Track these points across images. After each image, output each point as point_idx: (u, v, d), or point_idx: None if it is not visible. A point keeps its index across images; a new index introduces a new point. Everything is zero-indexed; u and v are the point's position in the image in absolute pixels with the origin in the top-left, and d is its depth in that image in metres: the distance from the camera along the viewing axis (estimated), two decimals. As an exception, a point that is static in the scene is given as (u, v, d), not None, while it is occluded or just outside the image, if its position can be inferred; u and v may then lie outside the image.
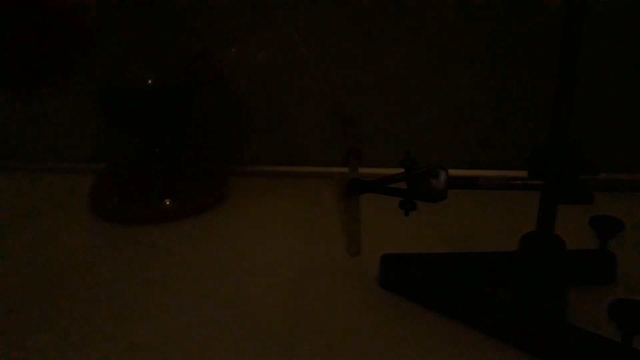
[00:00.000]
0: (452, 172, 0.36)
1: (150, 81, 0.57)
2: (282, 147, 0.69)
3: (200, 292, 0.46)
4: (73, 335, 0.40)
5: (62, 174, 0.69)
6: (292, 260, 0.50)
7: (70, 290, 0.46)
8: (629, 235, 0.45)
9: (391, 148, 0.40)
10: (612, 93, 0.62)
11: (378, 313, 0.43)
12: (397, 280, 0.45)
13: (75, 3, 0.48)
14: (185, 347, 0.39)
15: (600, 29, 0.58)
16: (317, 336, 0.40)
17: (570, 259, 0.42)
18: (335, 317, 0.42)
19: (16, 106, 0.60)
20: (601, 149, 0.57)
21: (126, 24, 0.57)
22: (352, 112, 0.50)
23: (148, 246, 0.53)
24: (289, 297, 0.45)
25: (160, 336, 0.40)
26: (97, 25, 0.50)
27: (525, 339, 0.38)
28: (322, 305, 0.44)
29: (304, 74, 0.61)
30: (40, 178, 0.69)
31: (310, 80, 0.60)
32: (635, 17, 0.59)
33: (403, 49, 0.63)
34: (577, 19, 0.34)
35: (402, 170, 0.37)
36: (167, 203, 0.59)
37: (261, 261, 0.50)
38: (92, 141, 0.70)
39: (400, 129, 0.65)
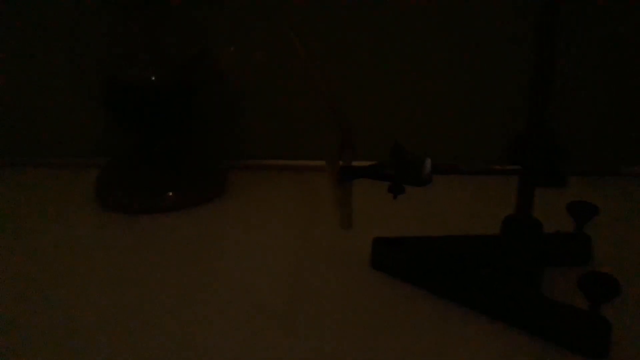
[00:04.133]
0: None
1: (152, 79, 0.60)
2: (279, 141, 0.72)
3: (203, 276, 0.48)
4: (80, 317, 0.43)
5: (67, 169, 0.72)
6: (289, 247, 0.53)
7: (76, 275, 0.49)
8: (603, 219, 0.48)
9: (381, 140, 0.43)
10: (586, 87, 0.65)
11: (369, 291, 0.46)
12: (387, 261, 0.48)
13: None
14: (190, 323, 0.42)
15: (574, 26, 0.62)
16: (314, 311, 0.43)
17: (549, 241, 0.46)
18: (330, 294, 0.45)
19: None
20: (575, 138, 0.61)
21: (129, 23, 0.60)
22: (345, 106, 0.54)
23: (151, 235, 0.56)
24: (287, 278, 0.48)
25: (165, 315, 0.43)
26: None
27: (503, 311, 0.41)
28: (318, 284, 0.47)
29: (301, 70, 0.64)
30: (46, 173, 0.71)
31: (306, 77, 0.63)
32: (608, 9, 0.62)
33: (393, 49, 0.67)
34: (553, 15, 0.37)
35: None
36: (170, 195, 0.62)
37: (260, 248, 0.53)
38: (95, 138, 0.73)
39: (390, 122, 0.68)
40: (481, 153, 0.65)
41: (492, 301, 0.42)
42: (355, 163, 0.45)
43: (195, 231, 0.57)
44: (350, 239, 0.53)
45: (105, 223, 0.59)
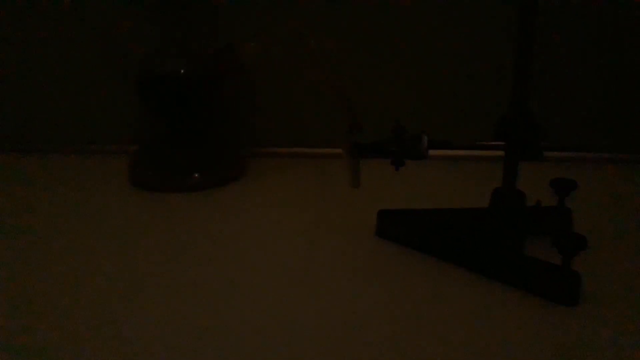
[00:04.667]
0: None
1: (182, 71, 0.67)
2: (294, 130, 0.78)
3: (225, 247, 0.55)
4: (110, 284, 0.50)
5: (103, 154, 0.79)
6: (304, 221, 0.59)
7: (109, 244, 0.55)
8: (581, 193, 0.55)
9: (385, 121, 0.49)
10: (562, 75, 0.72)
11: (376, 255, 0.52)
12: (390, 230, 0.54)
13: None
14: (212, 289, 0.48)
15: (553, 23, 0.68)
16: (328, 273, 0.49)
17: (534, 213, 0.52)
18: (342, 259, 0.52)
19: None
20: (553, 118, 0.69)
21: (162, 22, 0.66)
22: (352, 93, 0.60)
23: (177, 211, 0.62)
24: (301, 248, 0.54)
25: (194, 279, 0.50)
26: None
27: (492, 269, 0.47)
28: (331, 250, 0.53)
29: (314, 65, 0.71)
30: (85, 158, 0.79)
31: (318, 71, 0.70)
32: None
33: (395, 47, 0.73)
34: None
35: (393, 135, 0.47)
36: (195, 176, 0.68)
37: (276, 222, 0.59)
38: (129, 127, 0.80)
39: (392, 106, 0.75)
40: (471, 132, 0.72)
41: (481, 261, 0.48)
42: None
43: (217, 208, 0.63)
44: (358, 213, 0.60)
45: (136, 200, 0.66)
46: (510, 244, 0.48)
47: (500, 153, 0.47)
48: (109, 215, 0.61)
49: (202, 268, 0.51)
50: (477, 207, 0.52)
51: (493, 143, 0.46)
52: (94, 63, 0.77)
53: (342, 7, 0.72)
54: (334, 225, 0.58)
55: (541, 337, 0.41)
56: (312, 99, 0.76)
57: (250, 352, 0.40)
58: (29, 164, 0.77)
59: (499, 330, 0.41)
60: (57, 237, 0.56)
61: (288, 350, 0.40)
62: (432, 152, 0.47)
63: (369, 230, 0.56)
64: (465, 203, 0.56)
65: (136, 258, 0.52)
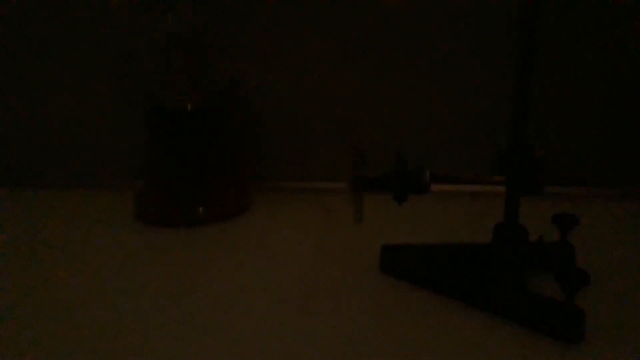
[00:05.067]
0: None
1: (189, 106, 0.68)
2: (298, 165, 0.79)
3: (229, 279, 0.55)
4: (117, 317, 0.50)
5: (109, 189, 0.80)
6: (307, 255, 0.60)
7: (114, 279, 0.56)
8: (583, 228, 0.55)
9: (387, 155, 0.50)
10: (563, 106, 0.73)
11: (379, 291, 0.52)
12: (394, 265, 0.54)
13: None
14: (215, 322, 0.48)
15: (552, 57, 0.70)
16: (330, 307, 0.49)
17: (536, 249, 0.52)
18: (345, 293, 0.52)
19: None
20: (554, 153, 0.71)
21: (170, 58, 0.68)
22: (355, 127, 0.62)
23: (183, 244, 0.63)
24: (305, 281, 0.54)
25: (197, 310, 0.50)
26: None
27: (496, 305, 0.47)
28: (333, 285, 0.53)
29: (318, 100, 0.72)
30: (91, 193, 0.80)
31: (324, 106, 0.71)
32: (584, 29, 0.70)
33: (397, 82, 0.75)
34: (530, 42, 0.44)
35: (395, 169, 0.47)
36: (200, 210, 0.69)
37: (280, 255, 0.60)
38: (135, 163, 0.81)
39: (394, 140, 0.76)
40: (472, 167, 0.73)
41: (484, 297, 0.48)
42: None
43: (221, 242, 0.64)
44: (361, 247, 0.60)
45: (140, 234, 0.66)
46: (512, 279, 0.48)
47: (502, 188, 0.48)
48: (113, 249, 0.62)
49: (205, 302, 0.51)
50: (480, 242, 0.52)
51: (494, 178, 0.46)
52: (102, 98, 0.79)
53: (345, 41, 0.74)
54: (338, 259, 0.58)
55: (546, 374, 0.40)
56: (316, 133, 0.77)
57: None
58: (33, 198, 0.78)
59: (502, 367, 0.41)
60: (60, 271, 0.57)
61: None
62: (434, 186, 0.48)
63: (372, 264, 0.56)
64: (467, 238, 0.56)
65: (141, 291, 0.53)
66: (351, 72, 0.75)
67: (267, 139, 0.79)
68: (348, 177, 0.48)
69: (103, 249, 0.62)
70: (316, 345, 0.44)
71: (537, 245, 0.52)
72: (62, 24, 0.77)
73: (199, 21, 0.69)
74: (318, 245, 0.62)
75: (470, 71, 0.73)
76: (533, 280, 0.49)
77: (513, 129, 0.46)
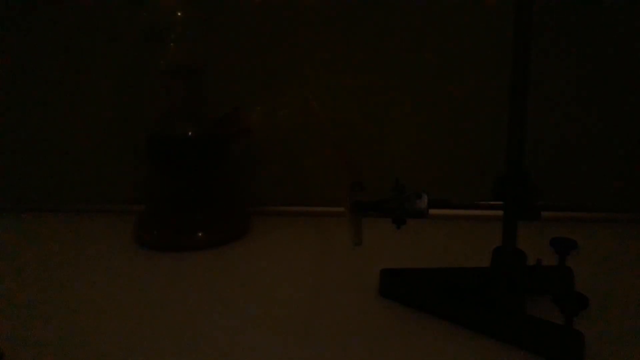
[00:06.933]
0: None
1: (190, 133, 0.69)
2: (297, 189, 0.80)
3: (229, 304, 0.55)
4: (115, 344, 0.50)
5: (110, 214, 0.81)
6: (307, 279, 0.60)
7: (114, 304, 0.56)
8: (581, 252, 0.55)
9: (385, 181, 0.51)
10: (555, 137, 0.74)
11: (378, 315, 0.52)
12: (394, 289, 0.55)
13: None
14: (215, 347, 0.48)
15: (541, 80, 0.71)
16: (330, 333, 0.49)
17: (534, 273, 0.52)
18: (345, 318, 0.52)
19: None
20: (548, 177, 0.70)
21: (172, 87, 0.70)
22: (353, 152, 0.62)
23: (182, 269, 0.63)
24: (304, 305, 0.54)
25: (195, 337, 0.50)
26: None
27: (495, 330, 0.47)
28: (333, 309, 0.53)
29: (317, 128, 0.73)
30: (92, 217, 0.80)
31: (321, 134, 0.72)
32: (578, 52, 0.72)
33: (396, 111, 0.76)
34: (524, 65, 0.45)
35: (393, 194, 0.48)
36: (200, 235, 0.69)
37: (279, 280, 0.60)
38: (135, 187, 0.82)
39: (392, 165, 0.77)
40: (471, 191, 0.73)
41: (483, 321, 0.48)
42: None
43: (221, 266, 0.64)
44: (360, 271, 0.60)
45: (140, 259, 0.66)
46: (512, 303, 0.48)
47: (500, 212, 0.48)
48: (112, 273, 0.62)
49: (205, 327, 0.51)
50: (478, 266, 0.53)
51: (492, 202, 0.47)
52: (103, 124, 0.80)
53: (343, 67, 0.76)
54: (337, 283, 0.59)
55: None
56: (315, 159, 0.78)
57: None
58: (33, 223, 0.79)
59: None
60: (60, 296, 0.57)
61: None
62: (432, 211, 0.48)
63: (372, 288, 0.56)
64: (466, 262, 0.56)
65: (139, 316, 0.53)
66: (349, 98, 0.76)
67: (266, 164, 0.80)
68: (347, 201, 0.49)
69: (103, 273, 0.62)
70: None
71: (535, 269, 0.52)
72: (66, 52, 0.79)
73: (200, 51, 0.70)
74: (317, 270, 0.62)
75: (469, 96, 0.75)
76: (532, 304, 0.49)
77: (508, 156, 0.47)
